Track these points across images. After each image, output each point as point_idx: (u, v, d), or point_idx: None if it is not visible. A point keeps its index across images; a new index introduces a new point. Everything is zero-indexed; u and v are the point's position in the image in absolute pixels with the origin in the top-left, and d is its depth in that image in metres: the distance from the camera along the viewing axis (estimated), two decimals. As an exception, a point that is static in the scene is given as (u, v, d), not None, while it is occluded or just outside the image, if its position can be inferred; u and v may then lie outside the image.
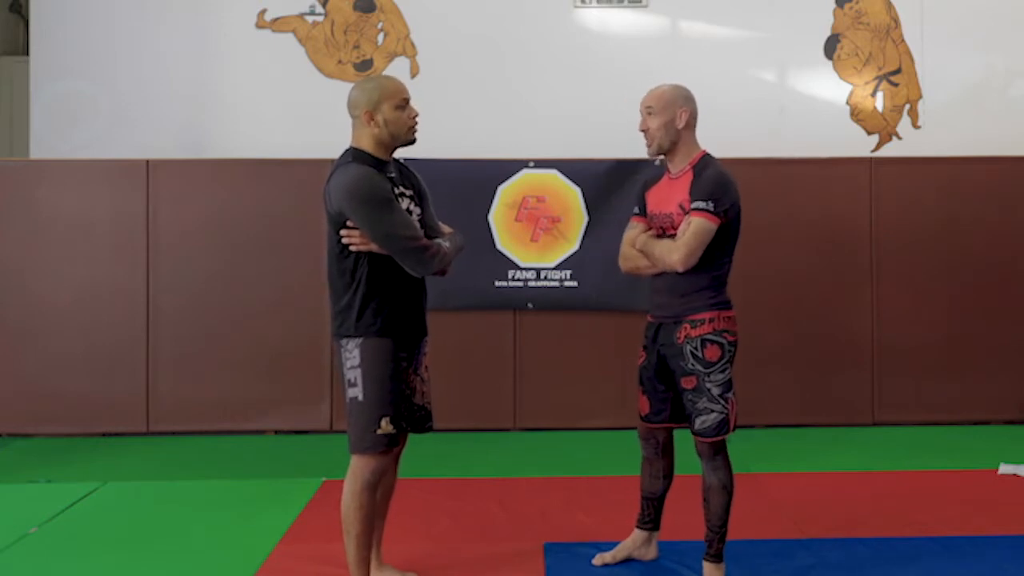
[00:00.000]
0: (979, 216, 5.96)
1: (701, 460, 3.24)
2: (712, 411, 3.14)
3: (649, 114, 3.22)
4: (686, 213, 3.13)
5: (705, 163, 3.21)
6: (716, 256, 3.16)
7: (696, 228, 3.08)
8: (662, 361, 3.26)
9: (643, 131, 3.25)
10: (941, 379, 5.93)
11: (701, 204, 3.09)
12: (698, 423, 3.17)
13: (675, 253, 3.09)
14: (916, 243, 5.96)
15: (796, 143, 6.26)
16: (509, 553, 3.64)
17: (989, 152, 6.16)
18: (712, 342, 3.14)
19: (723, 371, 3.15)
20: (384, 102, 3.08)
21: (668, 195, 3.25)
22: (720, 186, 3.12)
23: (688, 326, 3.16)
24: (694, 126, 3.26)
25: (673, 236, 3.18)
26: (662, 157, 3.31)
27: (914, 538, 3.73)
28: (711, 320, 3.16)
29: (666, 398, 3.31)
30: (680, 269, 3.10)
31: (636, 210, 3.38)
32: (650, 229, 3.30)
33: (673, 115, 3.20)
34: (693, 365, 3.15)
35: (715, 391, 3.14)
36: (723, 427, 3.16)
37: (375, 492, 3.09)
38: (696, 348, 3.14)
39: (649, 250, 3.21)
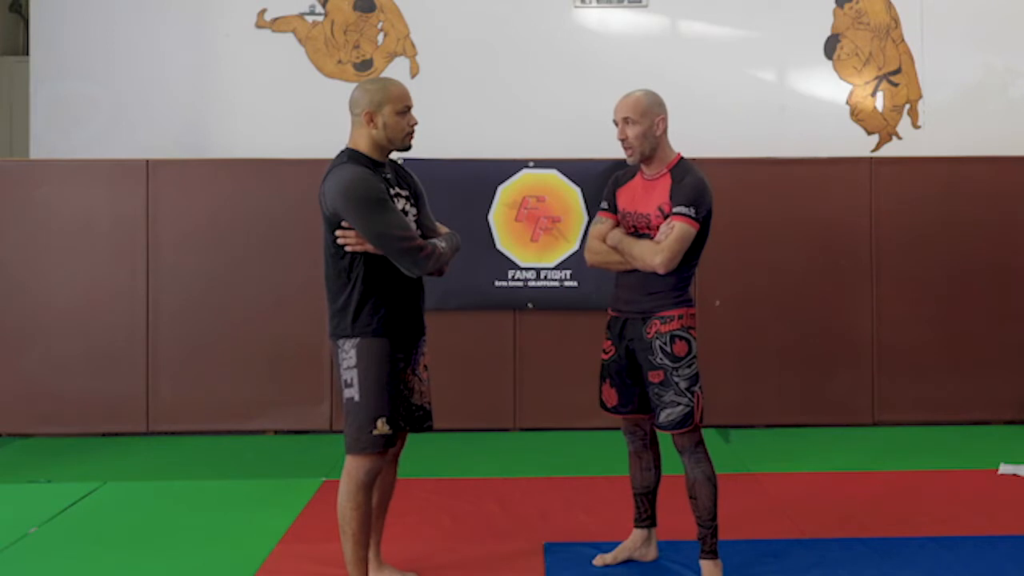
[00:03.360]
0: (979, 216, 5.96)
1: (682, 456, 3.29)
2: (679, 404, 3.20)
3: (629, 123, 3.26)
4: (666, 216, 3.20)
5: (684, 168, 3.28)
6: (687, 258, 3.24)
7: (679, 233, 3.15)
8: (631, 356, 3.31)
9: (621, 140, 3.30)
10: (941, 379, 5.93)
11: (684, 209, 3.17)
12: (663, 416, 3.22)
13: (658, 256, 3.15)
14: (916, 243, 5.95)
15: (796, 143, 6.26)
16: (509, 553, 3.64)
17: (989, 152, 6.16)
18: (680, 338, 3.21)
19: (690, 365, 3.22)
20: (386, 105, 3.08)
21: (644, 196, 3.30)
22: (700, 193, 3.20)
23: (658, 322, 3.23)
24: (666, 129, 3.32)
25: (648, 236, 3.25)
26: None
27: (914, 538, 3.73)
28: (680, 317, 3.24)
29: (634, 392, 3.37)
30: (662, 271, 3.17)
31: (605, 206, 3.42)
32: (619, 226, 3.35)
33: (652, 123, 3.25)
34: (661, 360, 3.20)
35: (683, 385, 3.20)
36: (688, 419, 3.21)
37: (371, 492, 3.09)
38: (665, 343, 3.21)
39: (626, 248, 3.27)
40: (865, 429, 5.85)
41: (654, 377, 3.22)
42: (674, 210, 3.17)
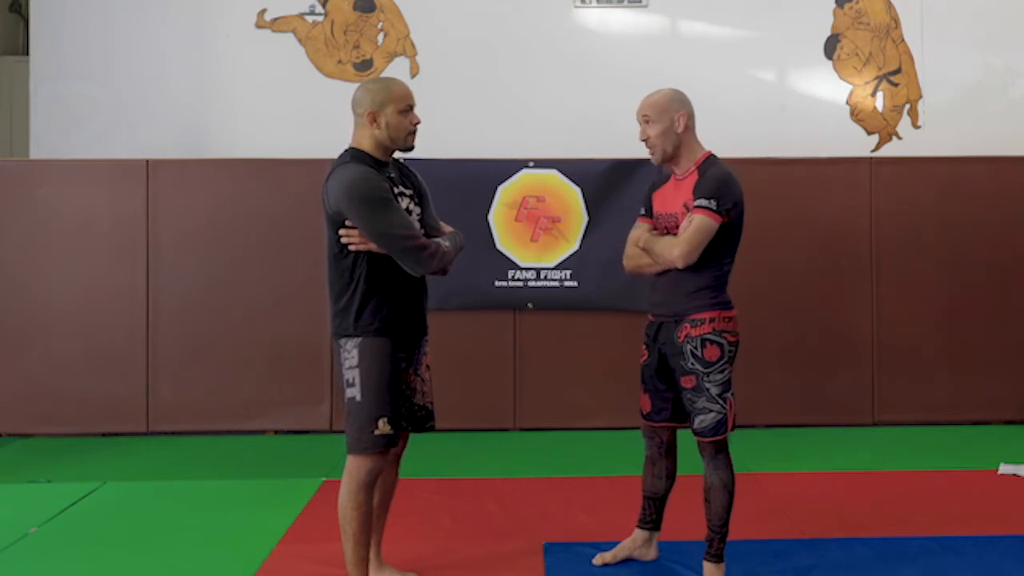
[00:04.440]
0: (979, 216, 5.96)
1: (703, 459, 3.25)
2: (711, 411, 3.15)
3: (647, 122, 3.23)
4: (689, 211, 3.15)
5: (710, 163, 3.23)
6: (718, 255, 3.18)
7: (698, 225, 3.09)
8: (663, 360, 3.27)
9: (644, 140, 3.27)
10: (941, 379, 5.93)
11: (703, 202, 3.11)
12: (697, 422, 3.18)
13: (676, 249, 3.11)
14: (916, 243, 5.96)
15: (796, 143, 6.26)
16: (509, 553, 3.64)
17: (989, 152, 6.16)
18: (712, 342, 3.15)
19: (722, 371, 3.16)
20: (389, 104, 3.08)
21: (674, 196, 3.27)
22: (723, 185, 3.14)
23: (689, 325, 3.17)
24: (693, 127, 3.27)
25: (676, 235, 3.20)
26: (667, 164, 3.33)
27: (914, 538, 3.73)
28: (712, 320, 3.17)
29: (668, 397, 3.32)
30: (680, 265, 3.11)
31: (643, 211, 3.40)
32: (655, 229, 3.32)
33: (671, 120, 3.21)
34: (693, 364, 3.15)
35: (714, 391, 3.15)
36: (721, 427, 3.16)
37: (372, 492, 3.09)
38: (696, 348, 3.15)
39: (650, 247, 3.24)
40: (865, 429, 5.85)
41: (686, 382, 3.17)
42: (695, 203, 3.12)
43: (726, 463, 3.23)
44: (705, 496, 3.26)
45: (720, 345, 3.16)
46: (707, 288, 3.18)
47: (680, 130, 3.22)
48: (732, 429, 3.19)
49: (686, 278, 3.17)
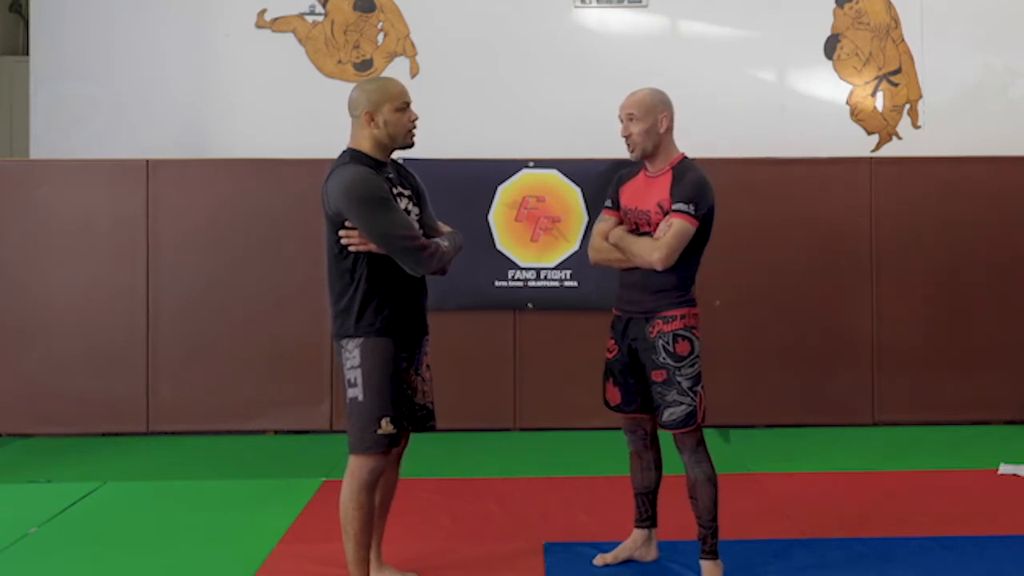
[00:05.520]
0: (979, 216, 5.96)
1: (682, 455, 3.30)
2: (681, 403, 3.20)
3: (631, 120, 3.29)
4: (666, 213, 3.21)
5: (685, 166, 3.30)
6: (688, 256, 3.24)
7: (677, 229, 3.16)
8: (633, 355, 3.32)
9: (625, 136, 3.32)
10: (941, 379, 5.93)
11: (683, 206, 3.18)
12: (666, 415, 3.23)
13: (656, 252, 3.17)
14: (916, 243, 5.95)
15: (796, 143, 6.25)
16: (509, 553, 3.65)
17: (989, 152, 6.16)
18: (683, 337, 3.22)
19: (692, 365, 3.23)
20: (385, 103, 3.09)
21: (646, 193, 3.31)
22: (700, 190, 3.21)
23: (660, 322, 3.23)
24: (672, 129, 3.33)
25: (648, 233, 3.26)
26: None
27: (914, 538, 3.73)
28: (683, 316, 3.24)
29: (637, 391, 3.37)
30: (660, 268, 3.18)
31: (609, 204, 3.44)
32: (622, 224, 3.37)
33: (655, 120, 3.27)
34: (664, 359, 3.21)
35: (685, 384, 3.21)
36: (691, 419, 3.22)
37: (374, 492, 3.09)
38: (668, 343, 3.21)
39: (626, 246, 3.28)
40: (865, 429, 5.85)
41: (657, 376, 3.23)
42: (673, 207, 3.19)
43: (706, 456, 3.29)
44: (690, 494, 3.30)
45: (690, 340, 3.23)
46: (677, 287, 3.25)
47: (662, 130, 3.28)
48: (703, 421, 3.25)
49: (657, 277, 3.23)
